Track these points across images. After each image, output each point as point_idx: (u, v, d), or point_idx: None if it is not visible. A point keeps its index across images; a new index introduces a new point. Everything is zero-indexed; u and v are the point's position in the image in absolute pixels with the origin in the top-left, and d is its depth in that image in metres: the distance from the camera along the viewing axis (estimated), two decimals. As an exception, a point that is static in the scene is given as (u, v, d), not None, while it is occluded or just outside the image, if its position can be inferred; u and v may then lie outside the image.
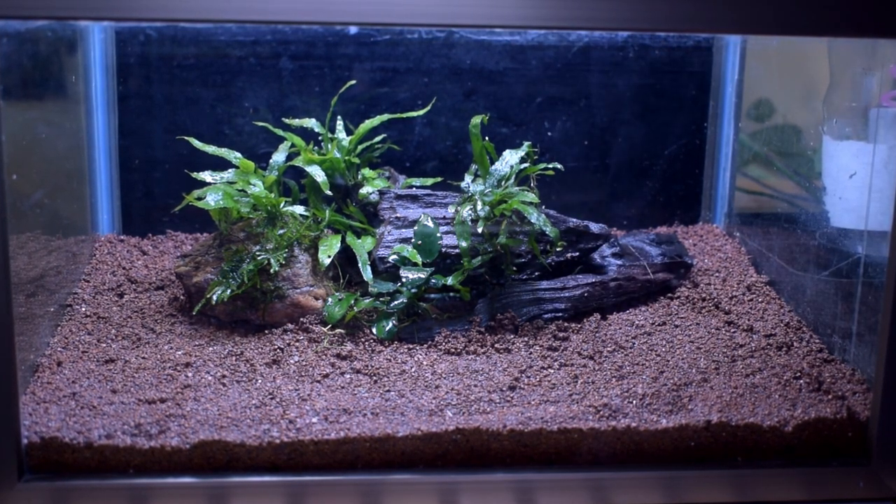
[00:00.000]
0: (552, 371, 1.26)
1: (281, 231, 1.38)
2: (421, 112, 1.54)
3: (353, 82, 1.54)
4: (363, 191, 1.47)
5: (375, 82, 1.68)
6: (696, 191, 1.77)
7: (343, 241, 1.42)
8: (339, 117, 1.52)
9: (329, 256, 1.38)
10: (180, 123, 1.67)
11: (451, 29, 1.58)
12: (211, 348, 1.30)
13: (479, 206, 1.39)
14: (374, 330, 1.34)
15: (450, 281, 1.37)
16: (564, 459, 1.13)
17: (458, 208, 1.40)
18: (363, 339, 1.33)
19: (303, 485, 1.09)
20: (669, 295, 1.49)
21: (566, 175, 1.47)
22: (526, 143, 1.44)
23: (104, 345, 1.30)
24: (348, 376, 1.24)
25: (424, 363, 1.28)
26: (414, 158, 1.71)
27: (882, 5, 1.04)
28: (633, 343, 1.34)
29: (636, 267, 1.48)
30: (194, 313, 1.37)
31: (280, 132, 1.48)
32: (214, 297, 1.33)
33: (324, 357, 1.29)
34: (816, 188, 1.49)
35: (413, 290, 1.36)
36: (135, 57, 1.64)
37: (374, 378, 1.24)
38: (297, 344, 1.31)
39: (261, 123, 1.53)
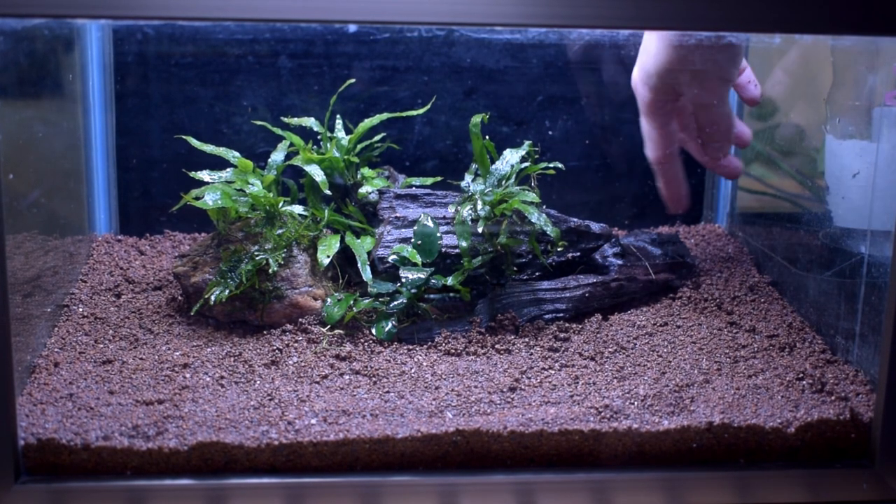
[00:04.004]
0: (553, 372, 1.25)
1: (279, 231, 1.37)
2: (421, 111, 1.54)
3: (353, 81, 1.53)
4: (362, 190, 1.47)
5: (375, 81, 1.67)
6: (699, 190, 1.77)
7: (342, 240, 1.41)
8: (338, 116, 1.51)
9: (328, 256, 1.37)
10: (178, 122, 1.67)
11: (451, 27, 1.57)
12: (209, 349, 1.30)
13: (480, 206, 1.38)
14: (373, 330, 1.34)
15: (450, 281, 1.36)
16: (565, 461, 1.12)
17: (459, 208, 1.39)
18: (362, 340, 1.32)
19: (302, 486, 1.08)
20: (671, 295, 1.48)
21: (567, 174, 1.47)
22: (527, 142, 1.44)
23: (101, 345, 1.30)
24: (347, 377, 1.24)
25: (424, 364, 1.27)
26: (414, 158, 1.71)
27: (885, 3, 1.03)
28: (635, 344, 1.33)
29: (638, 267, 1.47)
30: (192, 314, 1.37)
31: (279, 131, 1.48)
32: (212, 298, 1.32)
33: (323, 358, 1.28)
34: (819, 188, 1.48)
35: (413, 291, 1.35)
36: (132, 55, 1.64)
37: (374, 379, 1.23)
38: (295, 345, 1.30)
39: (259, 122, 1.52)
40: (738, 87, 1.45)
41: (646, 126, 1.46)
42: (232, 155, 1.42)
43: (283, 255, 1.36)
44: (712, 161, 1.48)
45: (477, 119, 1.42)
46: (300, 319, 1.35)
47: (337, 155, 1.47)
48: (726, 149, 1.47)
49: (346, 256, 1.45)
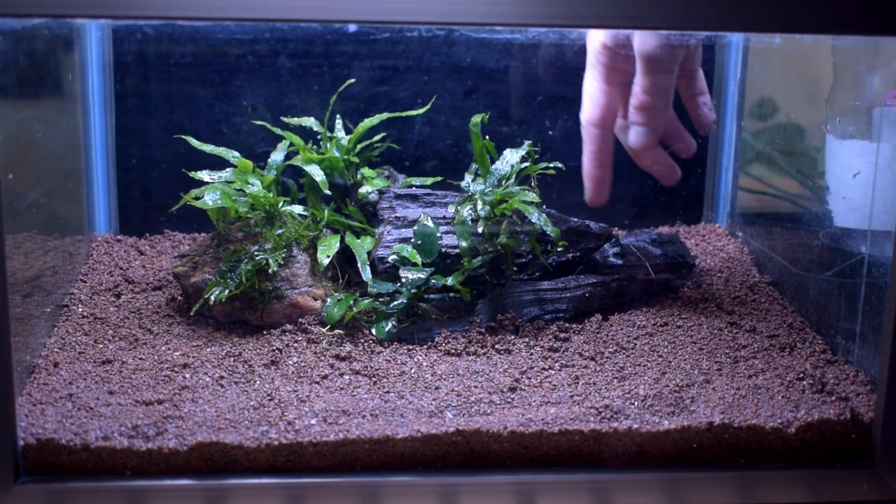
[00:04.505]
0: (553, 372, 1.25)
1: (279, 231, 1.37)
2: (421, 111, 1.53)
3: (353, 81, 1.53)
4: (362, 190, 1.47)
5: (375, 81, 1.67)
6: (699, 190, 1.76)
7: (342, 240, 1.41)
8: (338, 116, 1.51)
9: (328, 256, 1.37)
10: (178, 122, 1.67)
11: (451, 27, 1.57)
12: (209, 349, 1.29)
13: (480, 206, 1.38)
14: (373, 331, 1.33)
15: (450, 281, 1.36)
16: (565, 461, 1.12)
17: (459, 208, 1.39)
18: (362, 340, 1.32)
19: (301, 487, 1.08)
20: (671, 295, 1.48)
21: (567, 174, 1.46)
22: (527, 142, 1.43)
23: (101, 346, 1.30)
24: (347, 377, 1.23)
25: (424, 364, 1.27)
26: (414, 157, 1.71)
27: (885, 3, 1.03)
28: (635, 344, 1.33)
29: (638, 267, 1.47)
30: (192, 314, 1.37)
31: (279, 131, 1.47)
32: (212, 298, 1.32)
33: (322, 358, 1.28)
34: (819, 187, 1.48)
35: (413, 291, 1.35)
36: (132, 55, 1.63)
37: (374, 379, 1.23)
38: (295, 345, 1.30)
39: (259, 122, 1.52)
40: (695, 105, 1.41)
41: (588, 81, 1.40)
42: (232, 155, 1.42)
43: (283, 255, 1.36)
44: (636, 144, 1.37)
45: (477, 119, 1.42)
46: (300, 319, 1.35)
47: (337, 155, 1.47)
48: (654, 137, 1.37)
49: (346, 256, 1.44)
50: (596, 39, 1.38)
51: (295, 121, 1.51)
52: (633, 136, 1.37)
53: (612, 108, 1.39)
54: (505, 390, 1.20)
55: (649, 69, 1.32)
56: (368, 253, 1.40)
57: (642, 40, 1.30)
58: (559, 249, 1.43)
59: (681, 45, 1.32)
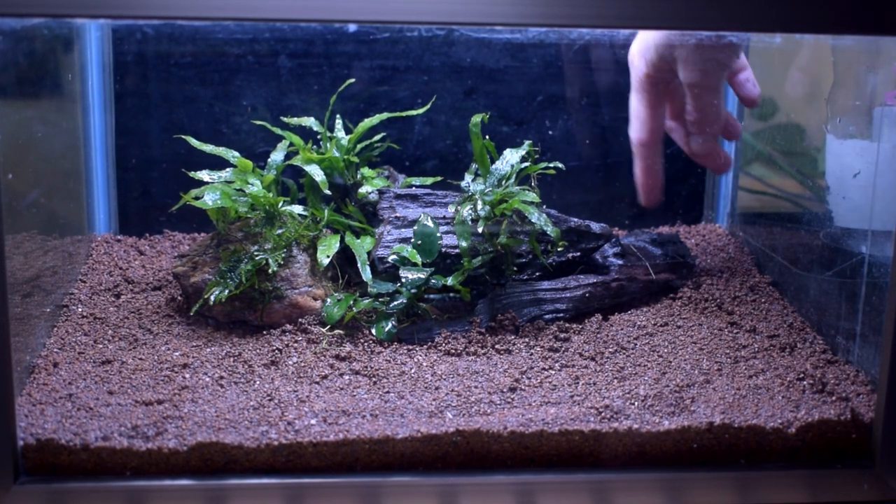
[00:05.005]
0: (553, 372, 1.25)
1: (279, 231, 1.37)
2: (421, 111, 1.53)
3: (352, 81, 1.53)
4: (362, 190, 1.47)
5: (375, 81, 1.67)
6: (699, 190, 1.76)
7: (342, 240, 1.41)
8: (338, 116, 1.51)
9: (328, 256, 1.37)
10: (178, 122, 1.66)
11: (451, 27, 1.57)
12: (209, 349, 1.29)
13: (480, 206, 1.38)
14: (373, 331, 1.33)
15: (450, 281, 1.36)
16: (565, 461, 1.12)
17: (459, 208, 1.39)
18: (362, 340, 1.32)
19: (301, 487, 1.08)
20: (672, 295, 1.48)
21: (567, 174, 1.46)
22: (527, 142, 1.43)
23: (101, 346, 1.29)
24: (347, 377, 1.23)
25: (424, 364, 1.27)
26: (414, 157, 1.71)
27: (885, 3, 1.03)
28: (635, 344, 1.33)
29: (638, 267, 1.47)
30: (192, 314, 1.37)
31: (278, 131, 1.47)
32: (212, 298, 1.32)
33: (322, 358, 1.28)
34: (820, 187, 1.48)
35: (413, 291, 1.35)
36: (132, 55, 1.63)
37: (374, 379, 1.23)
38: (295, 345, 1.30)
39: (259, 122, 1.52)
40: (737, 84, 1.43)
41: (635, 104, 1.44)
42: (231, 155, 1.42)
43: (283, 255, 1.36)
44: (698, 151, 1.44)
45: (477, 119, 1.42)
46: (300, 319, 1.35)
47: (337, 155, 1.47)
48: (712, 140, 1.44)
49: (346, 256, 1.44)
50: (639, 68, 1.41)
51: (295, 121, 1.51)
52: (696, 146, 1.43)
53: (660, 126, 1.45)
54: (505, 390, 1.19)
55: (699, 93, 1.36)
56: (368, 253, 1.40)
57: (688, 73, 1.34)
58: (559, 249, 1.43)
59: (723, 63, 1.35)
